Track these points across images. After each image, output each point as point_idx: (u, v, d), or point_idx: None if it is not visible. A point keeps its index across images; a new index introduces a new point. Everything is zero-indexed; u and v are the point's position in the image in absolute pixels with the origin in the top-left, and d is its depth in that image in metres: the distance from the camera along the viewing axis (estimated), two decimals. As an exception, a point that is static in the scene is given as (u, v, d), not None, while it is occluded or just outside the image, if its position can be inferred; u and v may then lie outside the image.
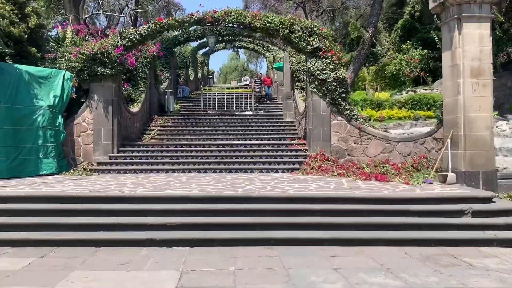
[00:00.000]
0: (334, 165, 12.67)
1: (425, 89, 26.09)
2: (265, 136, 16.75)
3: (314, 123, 13.59)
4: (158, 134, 17.05)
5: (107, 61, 13.20)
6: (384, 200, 8.17)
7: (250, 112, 20.61)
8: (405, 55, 28.89)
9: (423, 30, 29.58)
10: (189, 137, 16.74)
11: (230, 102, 21.25)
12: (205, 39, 34.23)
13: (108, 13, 22.32)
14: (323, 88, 13.48)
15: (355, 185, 10.01)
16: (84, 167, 12.91)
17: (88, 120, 13.46)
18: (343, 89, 13.57)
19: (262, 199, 8.18)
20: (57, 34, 16.66)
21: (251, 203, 8.04)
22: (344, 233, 7.25)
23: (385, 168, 11.77)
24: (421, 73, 27.65)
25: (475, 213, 7.78)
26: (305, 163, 12.89)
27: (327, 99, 13.52)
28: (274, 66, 28.05)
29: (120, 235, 7.01)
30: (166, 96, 20.15)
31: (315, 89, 13.56)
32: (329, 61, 13.50)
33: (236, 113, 19.91)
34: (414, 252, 6.75)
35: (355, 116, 13.58)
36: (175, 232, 7.09)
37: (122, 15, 21.80)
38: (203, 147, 14.23)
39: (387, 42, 35.47)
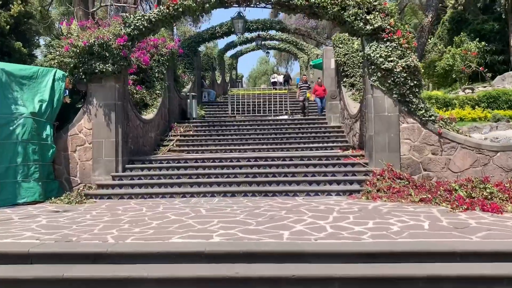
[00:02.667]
0: (410, 185, 9.26)
1: (484, 86, 22.16)
2: (307, 146, 13.51)
3: (377, 128, 10.25)
4: (177, 145, 14.11)
5: (107, 54, 10.34)
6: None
7: (285, 116, 17.41)
8: (459, 49, 25.07)
9: (475, 22, 25.75)
10: (213, 148, 13.71)
11: (261, 106, 18.13)
12: (232, 39, 31.63)
13: (120, 4, 19.55)
14: (389, 81, 10.14)
15: (457, 220, 6.64)
16: (80, 190, 10.04)
17: (85, 130, 10.62)
18: (415, 82, 10.17)
19: (324, 256, 4.96)
20: (60, 30, 14.04)
21: (306, 262, 4.84)
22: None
23: (487, 190, 8.27)
24: (480, 68, 23.70)
25: None
26: (367, 182, 9.55)
27: (394, 96, 10.17)
28: (311, 63, 24.78)
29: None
30: (188, 101, 17.24)
31: (377, 82, 10.23)
32: (395, 45, 10.14)
33: (269, 118, 16.75)
34: None
35: (432, 118, 10.14)
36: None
37: (136, 5, 19.01)
38: (230, 161, 11.12)
39: (433, 36, 31.68)
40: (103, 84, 10.58)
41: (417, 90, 10.23)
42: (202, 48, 29.79)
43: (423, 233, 5.85)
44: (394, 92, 10.16)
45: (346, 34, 15.53)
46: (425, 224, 6.42)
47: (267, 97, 19.18)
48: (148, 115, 13.57)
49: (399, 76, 10.08)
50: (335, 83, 16.58)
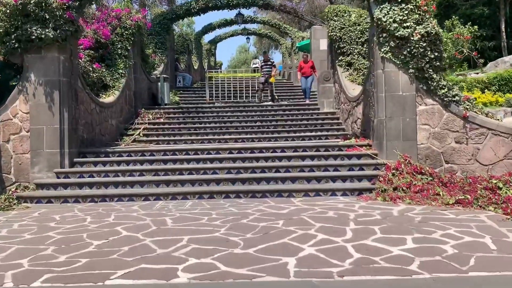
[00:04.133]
0: (435, 181, 7.34)
1: (477, 73, 20.60)
2: (298, 135, 11.49)
3: (389, 111, 8.28)
4: (144, 135, 11.88)
5: (47, 16, 8.01)
6: None
7: (270, 102, 15.34)
8: (450, 33, 23.48)
9: (464, 6, 24.31)
10: (188, 138, 11.53)
11: (243, 91, 15.97)
12: (210, 20, 29.22)
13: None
14: (404, 52, 8.17)
15: (527, 233, 4.71)
16: (11, 192, 7.77)
17: (22, 114, 8.31)
18: (436, 54, 8.23)
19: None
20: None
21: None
22: None
23: (540, 188, 6.40)
24: (474, 53, 22.10)
25: None
26: (380, 178, 7.59)
27: (410, 71, 8.21)
28: (297, 45, 22.71)
29: None
30: (159, 84, 14.96)
31: (390, 54, 8.24)
32: (412, 7, 8.16)
33: (253, 104, 14.62)
34: None
35: (456, 98, 8.23)
36: None
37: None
38: (207, 153, 8.98)
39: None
40: (43, 55, 8.26)
41: (438, 63, 8.28)
42: (177, 29, 27.42)
43: (497, 259, 3.89)
44: (410, 66, 8.20)
45: (342, 6, 13.58)
46: (487, 240, 4.47)
47: (250, 81, 17.04)
48: (108, 98, 11.26)
49: (416, 46, 8.12)
50: (328, 64, 14.55)
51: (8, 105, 8.29)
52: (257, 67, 30.95)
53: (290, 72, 24.44)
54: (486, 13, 23.10)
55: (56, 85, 8.24)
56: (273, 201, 7.03)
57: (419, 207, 6.32)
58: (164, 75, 15.35)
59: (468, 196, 6.32)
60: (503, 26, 21.58)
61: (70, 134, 8.42)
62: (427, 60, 8.18)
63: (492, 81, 14.10)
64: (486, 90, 13.83)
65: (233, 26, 29.82)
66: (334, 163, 8.32)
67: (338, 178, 7.84)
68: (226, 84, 16.50)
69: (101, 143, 10.43)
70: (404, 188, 7.19)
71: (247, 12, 27.11)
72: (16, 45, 8.10)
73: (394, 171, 7.68)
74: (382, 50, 8.30)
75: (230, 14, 26.10)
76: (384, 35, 8.24)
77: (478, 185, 6.85)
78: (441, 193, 6.78)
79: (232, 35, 36.11)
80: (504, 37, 21.24)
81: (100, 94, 11.26)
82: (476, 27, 21.70)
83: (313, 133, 11.62)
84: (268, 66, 15.44)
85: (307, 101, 14.50)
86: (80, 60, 9.84)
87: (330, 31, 12.82)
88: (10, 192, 7.92)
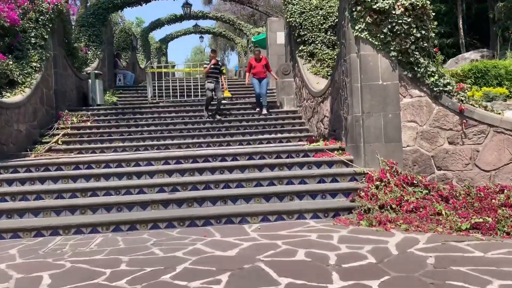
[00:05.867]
0: (433, 195, 5.60)
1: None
2: (254, 138, 9.59)
3: (367, 105, 6.50)
4: (64, 142, 9.55)
5: None
6: None
7: (224, 101, 13.34)
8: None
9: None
10: (120, 144, 9.34)
11: (191, 89, 13.85)
12: (158, 15, 26.75)
13: None
14: (384, 30, 6.42)
15: None
16: None
17: None
18: (422, 32, 6.54)
19: None
20: None
21: None
22: None
23: None
24: (435, 49, 21.02)
25: None
26: (361, 192, 5.78)
27: (392, 54, 6.47)
28: (252, 39, 20.82)
29: None
30: (90, 81, 12.60)
31: (366, 33, 6.47)
32: (392, -28, 6.44)
33: (202, 103, 12.53)
34: None
35: (449, 88, 6.57)
36: None
37: None
38: (136, 165, 6.86)
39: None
40: None
41: (425, 44, 6.60)
42: (120, 23, 24.92)
43: None
44: (391, 48, 6.46)
45: (302, -13, 11.76)
46: None
47: (199, 78, 14.94)
48: (14, 97, 8.87)
49: (399, 21, 6.40)
50: (287, 56, 12.74)
51: None
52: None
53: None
54: (443, 10, 22.20)
55: None
56: (219, 232, 5.02)
57: (421, 236, 4.51)
58: (96, 71, 13.01)
59: (488, 219, 4.57)
60: (460, 23, 20.68)
61: None
62: (413, 40, 6.48)
63: (467, 74, 12.76)
64: (462, 82, 12.47)
65: (184, 22, 27.55)
66: (300, 173, 6.42)
67: (306, 193, 5.94)
68: (173, 82, 14.33)
69: (1, 154, 8.04)
70: (393, 205, 5.40)
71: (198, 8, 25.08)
72: None
73: (378, 182, 5.88)
74: (357, 28, 6.51)
75: (179, 9, 23.74)
76: (359, 8, 6.45)
77: (491, 200, 5.15)
78: (443, 213, 5.05)
79: (184, 34, 33.86)
80: (462, 34, 20.33)
81: (4, 92, 8.87)
82: (435, 23, 20.69)
83: (272, 135, 9.73)
84: (216, 70, 10.96)
85: (264, 111, 10.80)
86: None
87: (288, 17, 10.98)
88: None
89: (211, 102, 10.87)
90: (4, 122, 8.32)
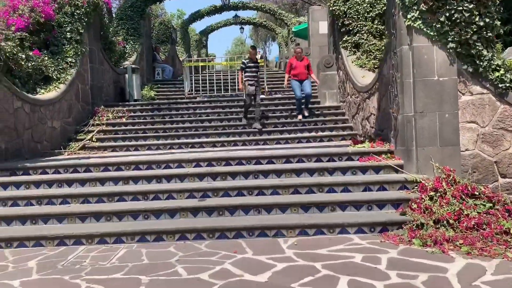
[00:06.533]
0: (498, 209, 4.84)
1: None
2: (293, 136, 9.06)
3: (420, 103, 5.76)
4: (98, 139, 9.41)
5: None
6: None
7: (262, 96, 12.80)
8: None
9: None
10: (154, 142, 9.11)
11: (228, 83, 13.36)
12: (198, 9, 26.39)
13: None
14: (441, 18, 5.65)
15: None
16: None
17: None
18: (487, 20, 5.70)
19: None
20: None
21: None
22: None
23: None
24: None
25: None
26: (413, 204, 5.10)
27: (450, 45, 5.69)
28: (293, 29, 20.11)
29: None
30: (127, 76, 12.43)
31: (420, 22, 5.72)
32: (452, -49, 5.63)
33: (239, 98, 12.06)
34: None
35: (516, 83, 5.72)
36: None
37: None
38: (166, 167, 6.49)
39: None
40: None
41: (489, 34, 5.76)
42: (160, 15, 24.85)
43: None
44: (450, 39, 5.68)
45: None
46: None
47: (236, 72, 14.48)
48: (48, 93, 8.74)
49: (459, 8, 5.60)
50: (330, 48, 12.01)
51: None
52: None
53: (287, 62, 21.90)
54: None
55: None
56: (251, 247, 4.53)
57: (488, 263, 3.81)
58: (133, 66, 12.82)
59: None
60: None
61: (-33, 144, 5.91)
62: (475, 30, 5.66)
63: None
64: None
65: (224, 13, 27.18)
66: (342, 180, 5.79)
67: (349, 204, 5.32)
68: (210, 75, 13.95)
69: (34, 152, 7.94)
70: (450, 221, 4.70)
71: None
72: None
73: (432, 193, 5.17)
74: (409, 16, 5.77)
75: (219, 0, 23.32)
76: (413, -7, 5.71)
77: None
78: (514, 232, 4.29)
79: (225, 25, 33.53)
80: (521, 20, 18.56)
81: (38, 89, 8.77)
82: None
83: (312, 134, 9.13)
84: (256, 69, 9.69)
85: (306, 113, 9.88)
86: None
87: (331, 5, 10.24)
88: None
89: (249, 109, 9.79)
90: (38, 119, 8.20)
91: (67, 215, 5.28)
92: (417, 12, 5.72)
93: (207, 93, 12.96)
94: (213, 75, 13.93)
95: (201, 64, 14.15)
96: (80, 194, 5.68)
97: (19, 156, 7.47)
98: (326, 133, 9.24)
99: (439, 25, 5.68)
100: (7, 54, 7.70)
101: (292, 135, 9.18)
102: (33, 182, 6.05)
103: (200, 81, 13.28)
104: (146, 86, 14.21)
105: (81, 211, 5.31)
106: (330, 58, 10.93)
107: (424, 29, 5.72)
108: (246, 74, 9.61)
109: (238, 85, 10.00)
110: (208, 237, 4.89)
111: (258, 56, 33.66)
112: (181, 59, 22.48)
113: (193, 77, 13.40)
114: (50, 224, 5.25)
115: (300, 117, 9.78)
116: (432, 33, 5.71)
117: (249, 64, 9.67)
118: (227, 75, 13.37)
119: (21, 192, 5.86)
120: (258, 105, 9.62)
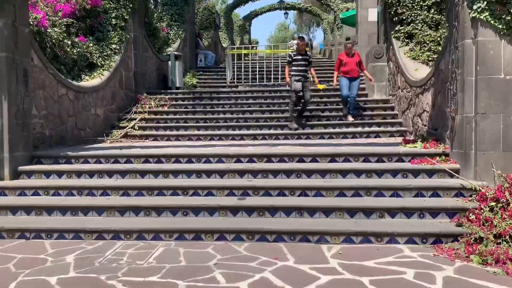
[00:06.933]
0: None
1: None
2: (338, 131, 8.72)
3: (482, 103, 5.26)
4: (140, 127, 9.43)
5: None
6: None
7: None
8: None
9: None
10: (194, 133, 9.02)
11: (271, 71, 13.04)
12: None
13: None
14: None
15: None
16: None
17: None
18: None
19: None
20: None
21: None
22: None
23: None
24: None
25: None
26: (471, 214, 4.66)
27: (522, 40, 5.14)
28: (341, 16, 19.43)
29: None
30: (170, 63, 12.37)
31: (487, 13, 5.17)
32: None
33: (282, 89, 11.74)
34: None
35: None
36: None
37: None
38: (206, 161, 6.33)
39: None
40: (-29, 20, 5.81)
41: None
42: (206, 1, 24.68)
43: None
44: (522, 33, 5.12)
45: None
46: None
47: (280, 60, 14.13)
48: (92, 80, 8.79)
49: (535, -2, 5.01)
50: (380, 37, 11.41)
51: None
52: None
53: (332, 49, 21.23)
54: None
55: (-11, 62, 5.77)
56: (292, 253, 4.28)
57: None
58: (176, 53, 12.74)
59: None
60: None
61: (13, 132, 5.97)
62: (551, 22, 5.06)
63: None
64: None
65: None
66: (392, 184, 5.41)
67: (399, 210, 4.94)
68: (252, 62, 13.68)
69: (77, 139, 8.03)
70: (513, 236, 4.25)
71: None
72: None
73: (493, 203, 4.71)
74: (475, 7, 5.23)
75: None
76: (480, -19, 5.16)
77: None
78: None
79: (269, 10, 33.04)
80: None
81: (83, 76, 8.83)
82: None
83: (359, 129, 8.74)
84: (304, 62, 8.91)
85: (350, 118, 9.12)
86: (42, 28, 7.33)
87: (384, -7, 9.67)
88: None
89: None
90: (82, 107, 8.26)
91: (107, 208, 5.23)
92: (484, 2, 5.17)
93: (249, 82, 12.73)
94: (256, 63, 13.65)
95: (244, 51, 13.84)
96: (120, 187, 5.62)
97: (62, 143, 7.55)
98: (374, 128, 8.82)
99: (509, 17, 5.12)
100: (54, 40, 7.77)
101: (337, 130, 8.82)
102: (75, 172, 6.06)
103: (243, 69, 13.03)
104: (188, 73, 14.14)
105: (121, 204, 5.24)
106: (380, 48, 10.37)
107: (492, 21, 5.18)
108: (293, 68, 8.88)
109: (284, 80, 9.29)
110: (248, 238, 4.68)
111: (295, 42, 33.03)
112: (223, 45, 22.35)
113: (235, 64, 13.17)
114: (89, 216, 5.22)
115: (350, 118, 9.10)
116: (500, 26, 5.16)
117: (296, 57, 8.91)
118: (271, 62, 13.03)
119: (63, 182, 5.87)
120: (306, 100, 8.95)
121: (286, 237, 4.64)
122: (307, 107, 9.34)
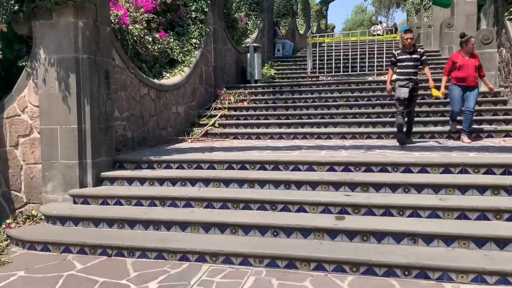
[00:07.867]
0: None
1: None
2: (439, 129, 7.61)
3: None
4: (220, 125, 9.02)
5: (53, -38, 5.31)
6: None
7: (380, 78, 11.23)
8: None
9: None
10: (276, 130, 8.45)
11: (357, 61, 12.01)
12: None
13: None
14: None
15: None
16: (3, 228, 5.41)
17: (32, 108, 5.85)
18: None
19: None
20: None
21: None
22: None
23: None
24: None
25: None
26: None
27: None
28: (432, -4, 17.61)
29: None
30: (248, 55, 11.85)
31: None
32: None
33: (370, 80, 10.73)
34: None
35: None
36: None
37: None
38: (294, 168, 5.69)
39: None
40: (55, 22, 5.60)
41: None
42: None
43: None
44: None
45: None
46: None
47: (367, 48, 13.03)
48: (173, 77, 8.50)
49: None
50: (489, 20, 9.93)
51: (14, 95, 5.88)
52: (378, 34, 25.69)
53: (420, 33, 19.44)
54: None
55: (71, 65, 5.55)
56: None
57: None
58: (255, 44, 12.18)
59: None
60: None
61: (95, 136, 5.75)
62: None
63: None
64: None
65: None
66: (525, 203, 4.38)
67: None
68: (335, 51, 12.74)
69: (159, 139, 7.78)
70: None
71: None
72: (17, 7, 5.54)
73: None
74: None
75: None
76: None
77: None
78: None
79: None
80: None
81: (164, 73, 8.56)
82: None
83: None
84: (413, 63, 6.92)
85: (466, 140, 6.97)
86: (123, 26, 7.08)
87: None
88: (22, 218, 5.61)
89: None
90: (163, 105, 7.99)
91: (190, 224, 4.79)
92: None
93: (332, 72, 11.85)
94: (340, 51, 12.68)
95: (327, 40, 12.92)
96: (204, 198, 5.16)
97: (144, 144, 7.32)
98: (484, 126, 7.61)
99: None
100: (135, 37, 7.52)
101: (439, 128, 7.73)
102: (157, 179, 5.72)
103: (325, 57, 12.15)
104: (266, 64, 13.58)
105: (205, 220, 4.77)
106: (489, 32, 8.98)
107: None
108: (397, 71, 7.02)
109: (392, 88, 7.21)
110: (351, 270, 3.97)
111: (380, 28, 30.67)
112: (300, 32, 21.46)
113: (317, 53, 12.32)
114: (172, 231, 4.83)
115: (466, 139, 6.97)
116: None
117: (400, 57, 6.96)
118: (356, 50, 12.00)
119: (145, 191, 5.53)
120: (412, 116, 7.08)
121: (398, 272, 3.86)
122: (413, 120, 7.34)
